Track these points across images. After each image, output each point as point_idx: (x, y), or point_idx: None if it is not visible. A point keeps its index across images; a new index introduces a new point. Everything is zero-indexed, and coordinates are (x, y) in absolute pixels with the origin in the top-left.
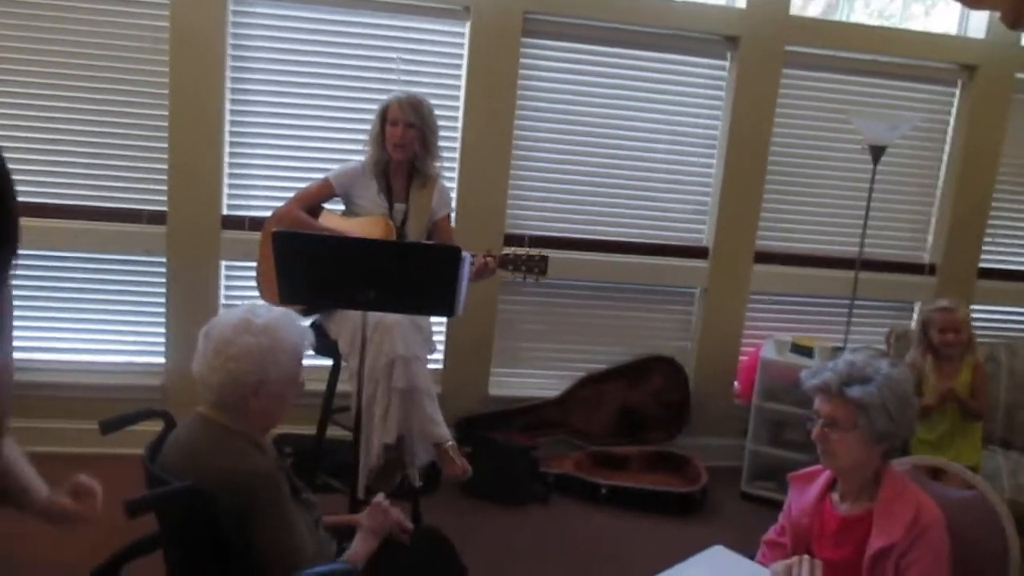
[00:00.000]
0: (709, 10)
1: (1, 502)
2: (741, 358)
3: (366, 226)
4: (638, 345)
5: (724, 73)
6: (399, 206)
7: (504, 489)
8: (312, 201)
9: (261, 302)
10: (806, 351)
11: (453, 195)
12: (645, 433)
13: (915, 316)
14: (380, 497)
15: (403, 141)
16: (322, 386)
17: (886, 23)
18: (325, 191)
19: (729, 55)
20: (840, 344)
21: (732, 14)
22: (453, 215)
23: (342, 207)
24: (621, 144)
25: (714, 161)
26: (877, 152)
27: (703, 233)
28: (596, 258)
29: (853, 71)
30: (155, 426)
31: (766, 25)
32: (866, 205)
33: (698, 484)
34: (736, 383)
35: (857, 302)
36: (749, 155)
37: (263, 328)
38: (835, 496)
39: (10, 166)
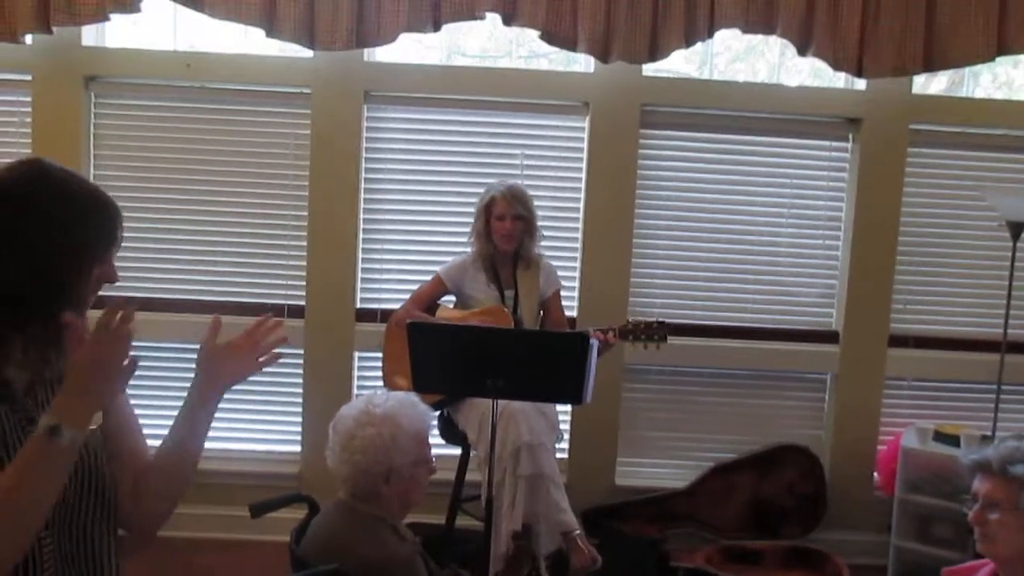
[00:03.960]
0: (828, 93)
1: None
2: (879, 447)
3: (483, 316)
4: (768, 434)
5: (846, 155)
6: (509, 292)
7: None
8: (428, 300)
9: (381, 390)
10: (951, 440)
11: (575, 283)
12: (779, 527)
13: None
14: None
15: (512, 234)
16: (451, 475)
17: (1014, 95)
18: (438, 288)
19: (851, 136)
20: (988, 433)
21: (852, 96)
22: (576, 302)
23: (453, 300)
24: (743, 229)
25: (840, 243)
26: (1016, 228)
27: (832, 317)
28: (721, 344)
29: (985, 147)
30: (294, 513)
31: (889, 105)
32: (1008, 284)
33: None
34: (876, 474)
35: (1005, 387)
36: (877, 236)
37: (383, 418)
38: None
39: (163, 265)
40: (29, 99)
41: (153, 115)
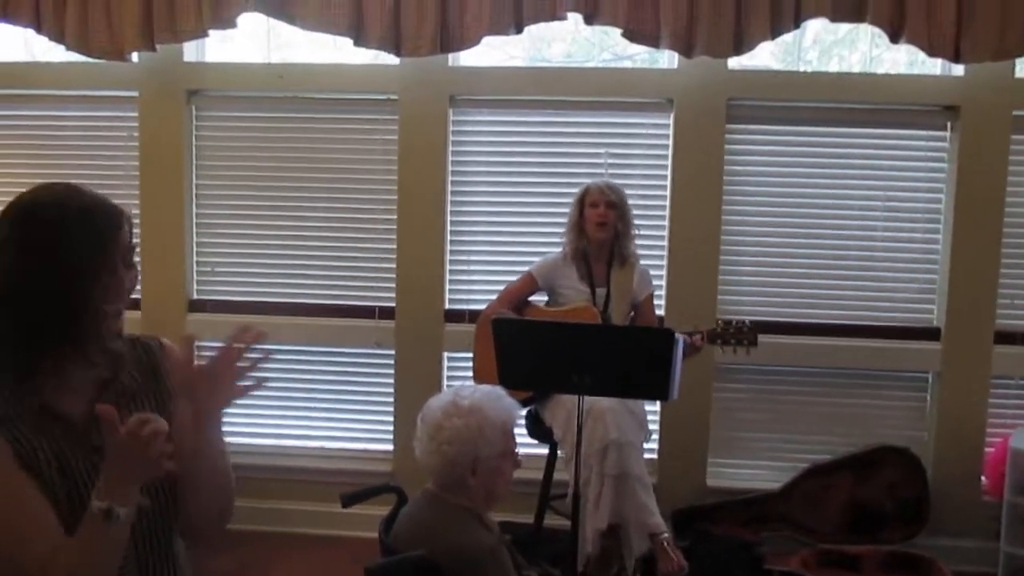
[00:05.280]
0: (924, 81)
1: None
2: (987, 449)
3: (571, 315)
4: (866, 435)
5: (945, 144)
6: (600, 290)
7: None
8: (517, 297)
9: (468, 383)
10: None
11: (662, 283)
12: (879, 531)
13: None
14: None
15: (605, 220)
16: (539, 474)
17: None
18: (529, 285)
19: (949, 125)
20: None
21: (950, 83)
22: (664, 301)
23: (545, 299)
24: (836, 224)
25: (940, 236)
26: None
27: (933, 313)
28: (815, 342)
29: None
30: (386, 508)
31: (989, 91)
32: None
33: None
34: (983, 477)
35: None
36: (980, 228)
37: (470, 409)
38: None
39: (260, 269)
40: (136, 114)
41: (249, 125)
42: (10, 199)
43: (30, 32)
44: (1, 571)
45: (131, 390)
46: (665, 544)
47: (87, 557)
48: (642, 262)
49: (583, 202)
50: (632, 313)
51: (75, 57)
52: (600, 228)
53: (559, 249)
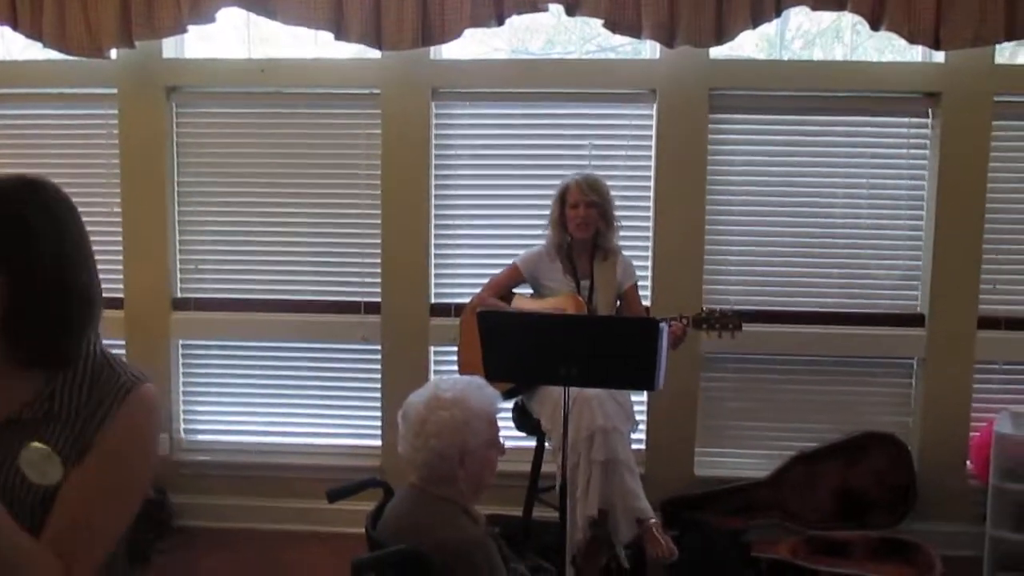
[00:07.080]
0: (904, 68)
1: None
2: (972, 434)
3: (557, 305)
4: (852, 421)
5: (926, 131)
6: (585, 283)
7: (714, 575)
8: (503, 287)
9: (446, 375)
10: None
11: (647, 273)
12: (866, 517)
13: None
14: None
15: (586, 220)
16: (527, 467)
17: None
18: (514, 276)
19: (930, 112)
20: None
21: (931, 69)
22: (649, 292)
23: (530, 290)
24: (821, 212)
25: (923, 223)
26: None
27: (916, 300)
28: (800, 330)
29: None
30: (373, 503)
31: (970, 77)
32: None
33: (932, 575)
34: (968, 462)
35: None
36: (963, 214)
37: (453, 401)
38: None
39: (244, 266)
40: (116, 112)
41: (231, 121)
42: None
43: (6, 30)
44: None
45: (59, 414)
46: (654, 529)
47: None
48: (625, 253)
49: (563, 201)
50: (619, 304)
51: (52, 55)
52: (580, 228)
53: (543, 242)
